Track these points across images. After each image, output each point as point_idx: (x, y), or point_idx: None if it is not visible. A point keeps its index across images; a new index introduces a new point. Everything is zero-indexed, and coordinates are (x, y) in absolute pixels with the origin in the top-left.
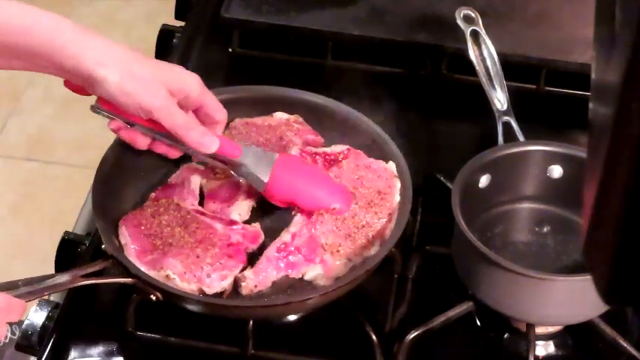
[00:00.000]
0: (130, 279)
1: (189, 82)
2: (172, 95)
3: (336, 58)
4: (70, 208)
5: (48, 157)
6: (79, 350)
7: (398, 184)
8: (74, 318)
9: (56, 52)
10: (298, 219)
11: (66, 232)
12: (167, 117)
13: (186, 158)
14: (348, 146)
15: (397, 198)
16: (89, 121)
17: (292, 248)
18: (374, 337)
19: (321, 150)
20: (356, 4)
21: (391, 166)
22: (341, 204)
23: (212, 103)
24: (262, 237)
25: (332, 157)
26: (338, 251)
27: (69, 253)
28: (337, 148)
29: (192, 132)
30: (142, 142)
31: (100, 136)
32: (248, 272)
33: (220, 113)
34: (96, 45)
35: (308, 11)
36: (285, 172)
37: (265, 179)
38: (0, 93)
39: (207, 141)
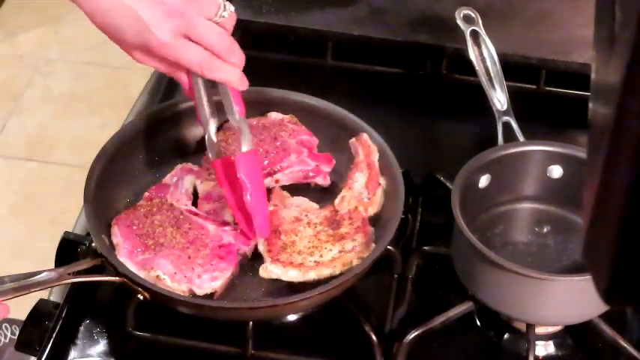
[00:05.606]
0: (117, 278)
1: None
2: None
3: (336, 58)
4: (70, 208)
5: (48, 157)
6: (79, 350)
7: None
8: (74, 318)
9: None
10: None
11: (66, 232)
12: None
13: (179, 158)
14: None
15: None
16: (89, 121)
17: None
18: (374, 337)
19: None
20: (356, 4)
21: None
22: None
23: None
24: (254, 238)
25: None
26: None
27: (69, 253)
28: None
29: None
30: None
31: (100, 136)
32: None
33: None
34: None
35: (308, 11)
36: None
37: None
38: (0, 93)
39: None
